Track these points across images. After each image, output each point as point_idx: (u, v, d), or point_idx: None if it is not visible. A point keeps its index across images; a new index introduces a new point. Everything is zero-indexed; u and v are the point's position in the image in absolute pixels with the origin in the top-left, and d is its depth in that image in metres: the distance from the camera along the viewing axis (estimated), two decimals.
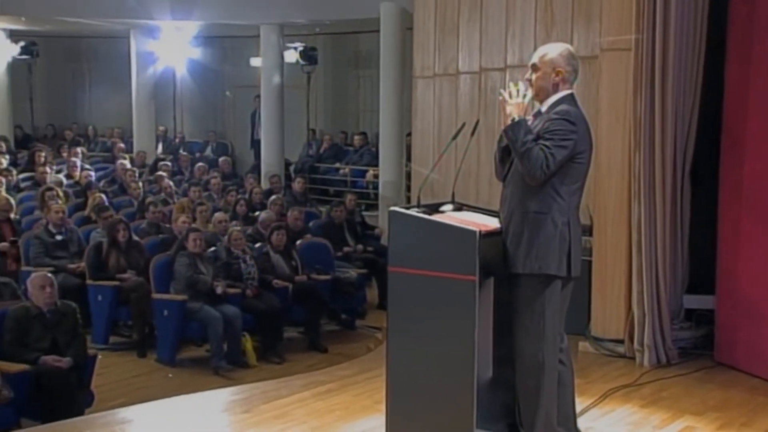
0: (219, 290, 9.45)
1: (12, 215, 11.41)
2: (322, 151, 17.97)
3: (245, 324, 9.53)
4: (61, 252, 10.52)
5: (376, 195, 15.19)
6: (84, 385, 7.57)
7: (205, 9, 16.77)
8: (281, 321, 9.92)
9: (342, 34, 18.49)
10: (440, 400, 4.76)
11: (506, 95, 4.70)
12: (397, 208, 5.01)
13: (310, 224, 12.15)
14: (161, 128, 20.13)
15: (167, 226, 11.37)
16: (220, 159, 17.31)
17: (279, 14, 16.54)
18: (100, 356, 9.58)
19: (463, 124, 5.33)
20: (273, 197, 12.93)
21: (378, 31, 14.88)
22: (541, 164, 4.48)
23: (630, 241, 6.97)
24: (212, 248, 10.03)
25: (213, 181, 14.42)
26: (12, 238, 10.86)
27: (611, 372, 6.78)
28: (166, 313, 9.42)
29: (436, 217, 4.88)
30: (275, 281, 10.06)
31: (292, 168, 17.40)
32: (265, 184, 15.46)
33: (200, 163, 16.22)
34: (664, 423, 5.73)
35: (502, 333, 4.89)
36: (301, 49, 17.33)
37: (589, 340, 7.27)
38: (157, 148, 19.22)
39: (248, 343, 9.51)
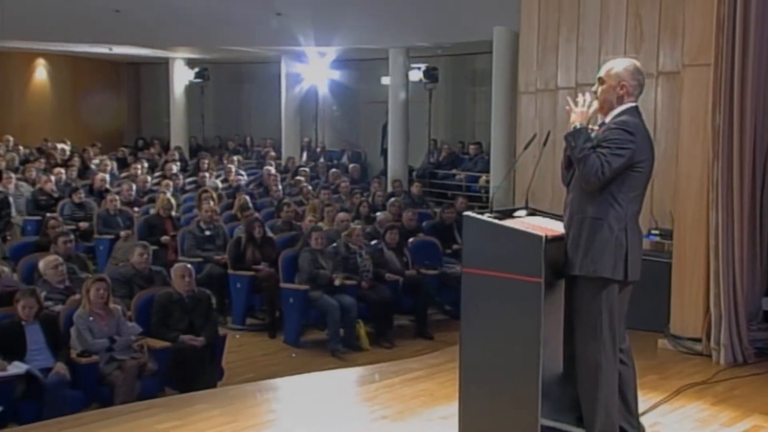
0: (337, 282, 9.22)
1: (173, 213, 11.46)
2: (441, 158, 17.53)
3: (360, 312, 9.26)
4: (209, 245, 10.54)
5: (488, 198, 14.66)
6: (215, 362, 7.50)
7: (343, 36, 16.57)
8: (392, 310, 9.57)
9: (460, 55, 18.02)
10: (508, 392, 4.38)
11: (572, 104, 4.30)
12: (471, 213, 4.60)
13: (423, 224, 11.72)
14: (305, 139, 20.03)
15: (298, 224, 11.12)
16: (350, 165, 17.12)
17: (405, 39, 16.35)
18: (238, 335, 9.66)
19: (534, 135, 4.88)
20: (392, 199, 12.59)
21: (491, 52, 14.45)
22: (596, 170, 4.06)
23: (708, 246, 6.31)
24: (333, 244, 9.73)
25: (342, 184, 14.22)
26: (172, 233, 10.94)
27: (687, 369, 6.12)
28: (291, 300, 9.25)
29: (506, 222, 4.46)
30: (388, 275, 9.74)
31: (414, 173, 17.00)
32: (390, 188, 15.09)
33: (334, 169, 16.07)
34: (732, 421, 5.07)
35: (571, 331, 4.45)
36: (424, 68, 16.96)
37: (668, 338, 6.62)
38: (302, 156, 19.15)
39: (362, 329, 9.25)
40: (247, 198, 12.24)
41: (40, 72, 21.96)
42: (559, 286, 4.46)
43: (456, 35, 15.43)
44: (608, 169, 4.05)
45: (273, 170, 15.28)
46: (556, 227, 4.53)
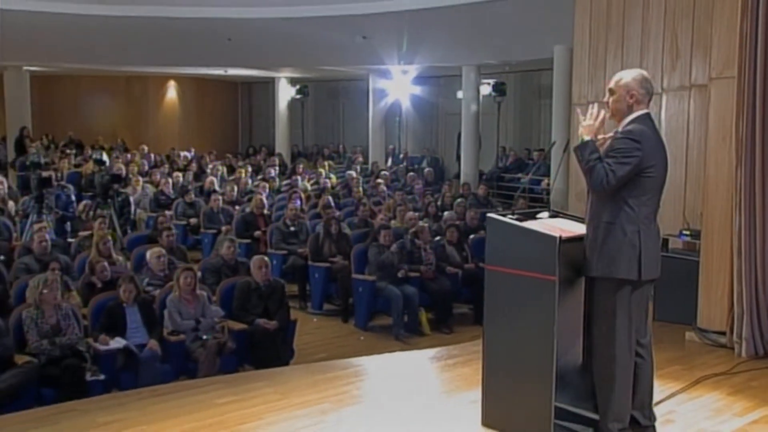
0: (401, 274, 9.04)
1: (265, 211, 11.49)
2: (508, 163, 17.20)
3: (422, 301, 9.09)
4: (293, 239, 10.52)
5: (549, 200, 14.29)
6: (287, 343, 7.47)
7: (423, 56, 16.44)
8: (452, 300, 9.35)
9: (527, 71, 17.66)
10: (525, 380, 4.13)
11: (581, 117, 4.02)
12: (493, 215, 4.38)
13: (485, 222, 11.35)
14: (390, 146, 19.98)
15: (373, 221, 11.00)
16: (426, 169, 16.89)
17: (477, 58, 16.13)
18: (315, 319, 9.62)
19: (554, 142, 4.57)
20: (458, 200, 12.33)
21: (553, 68, 14.14)
22: (601, 180, 3.81)
23: (732, 247, 5.89)
24: (400, 240, 9.57)
25: (416, 187, 14.01)
26: (263, 229, 10.97)
27: (710, 360, 5.70)
28: (361, 289, 9.14)
29: (527, 224, 4.20)
30: (448, 268, 9.53)
31: (483, 177, 16.71)
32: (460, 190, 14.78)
33: (411, 173, 15.89)
34: (745, 411, 4.69)
35: (590, 326, 4.18)
36: (493, 83, 16.73)
37: (695, 331, 6.21)
38: (386, 161, 19.08)
39: (424, 316, 9.08)
40: (330, 198, 12.18)
41: (171, 92, 22.49)
42: (579, 283, 4.19)
43: (521, 54, 15.13)
44: (613, 178, 3.79)
45: (355, 174, 15.20)
46: (575, 228, 4.26)
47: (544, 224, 4.26)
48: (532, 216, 4.40)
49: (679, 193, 7.17)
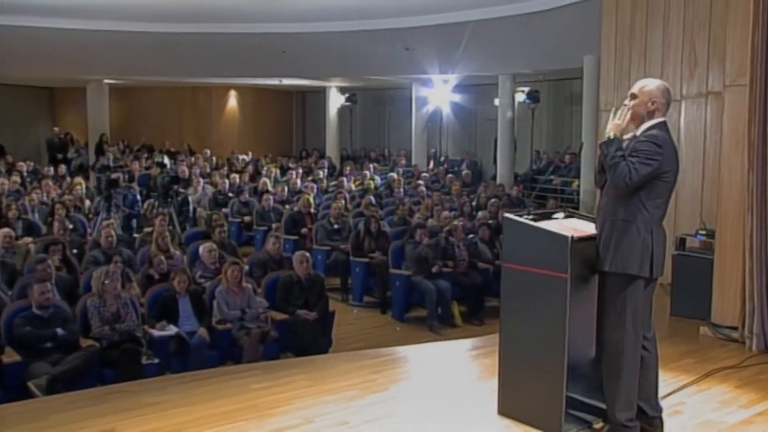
0: (435, 269, 8.97)
1: (312, 210, 11.49)
2: (542, 166, 16.92)
3: (454, 294, 9.01)
4: (336, 236, 10.53)
5: (579, 200, 14.06)
6: (325, 333, 7.44)
7: (462, 66, 16.34)
8: (483, 293, 9.23)
9: (559, 80, 17.35)
10: (538, 371, 4.03)
11: (611, 116, 3.91)
12: (510, 215, 4.26)
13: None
14: (432, 150, 19.80)
15: (410, 219, 10.92)
16: (463, 172, 16.72)
17: (512, 67, 15.92)
18: (356, 310, 9.61)
19: (582, 144, 4.43)
20: (492, 200, 12.17)
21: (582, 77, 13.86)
22: (624, 177, 3.69)
23: (744, 246, 5.69)
24: (435, 237, 9.49)
25: (454, 188, 13.88)
26: (309, 226, 10.98)
27: (722, 354, 5.51)
28: (397, 283, 9.11)
29: (541, 224, 4.09)
30: (480, 263, 9.42)
31: (518, 178, 16.48)
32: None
33: (450, 175, 15.74)
34: (751, 403, 4.52)
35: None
36: (527, 91, 16.47)
37: (709, 326, 6.01)
38: (428, 163, 18.92)
39: (456, 308, 9.00)
40: (372, 198, 12.14)
41: (232, 100, 22.68)
42: (592, 280, 4.06)
43: (553, 64, 14.89)
44: (636, 176, 3.68)
45: (396, 176, 15.12)
46: (588, 228, 4.15)
47: (559, 224, 4.16)
48: (548, 216, 4.30)
49: (696, 195, 6.98)
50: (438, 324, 8.69)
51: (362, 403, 4.42)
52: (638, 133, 3.88)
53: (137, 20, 16.17)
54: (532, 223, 4.10)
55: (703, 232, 6.59)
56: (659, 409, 4.05)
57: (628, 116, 3.90)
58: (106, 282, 6.25)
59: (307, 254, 7.71)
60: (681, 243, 6.76)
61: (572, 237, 3.88)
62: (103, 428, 3.99)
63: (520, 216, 4.22)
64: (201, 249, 7.92)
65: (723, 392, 4.70)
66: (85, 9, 15.69)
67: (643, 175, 3.70)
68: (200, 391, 4.64)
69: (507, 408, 4.20)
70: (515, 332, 4.17)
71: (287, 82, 20.39)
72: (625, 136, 3.94)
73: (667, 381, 4.86)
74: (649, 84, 3.93)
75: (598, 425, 4.02)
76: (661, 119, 3.87)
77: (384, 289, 9.37)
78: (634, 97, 3.92)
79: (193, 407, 4.31)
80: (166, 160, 14.13)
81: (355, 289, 9.78)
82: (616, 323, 3.84)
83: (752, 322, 5.57)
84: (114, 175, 10.22)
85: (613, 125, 3.88)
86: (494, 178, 16.81)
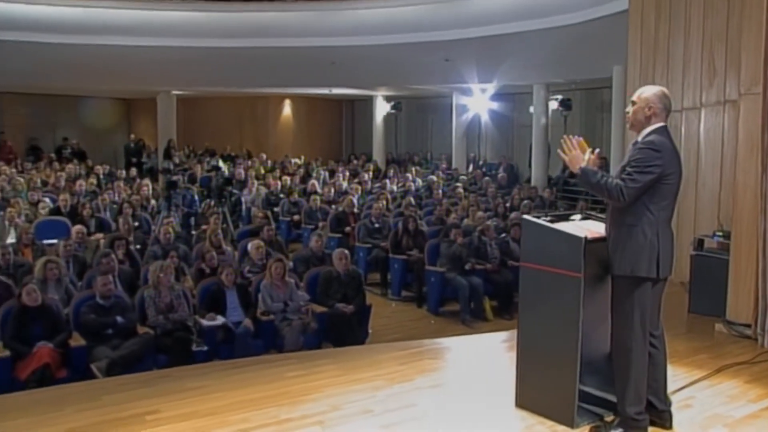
0: (467, 266, 8.85)
1: (355, 210, 11.48)
2: None
3: (486, 290, 8.88)
4: (377, 234, 10.49)
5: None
6: (362, 325, 7.41)
7: (499, 75, 16.11)
8: (513, 290, 8.94)
9: (591, 89, 17.00)
10: (553, 365, 3.94)
11: (562, 156, 3.84)
12: (527, 217, 4.20)
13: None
14: (471, 154, 19.59)
15: (447, 219, 10.82)
16: (499, 175, 16.52)
17: (546, 77, 15.70)
18: (394, 304, 9.55)
19: (593, 149, 4.33)
20: (525, 202, 11.99)
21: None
22: (617, 194, 3.59)
23: (758, 247, 5.48)
24: (469, 236, 9.39)
25: (489, 190, 13.71)
26: (353, 225, 10.94)
27: (734, 350, 5.32)
28: (433, 279, 9.01)
29: (558, 225, 3.99)
30: (511, 261, 9.19)
31: (551, 181, 16.21)
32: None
33: (486, 177, 15.56)
34: (759, 398, 4.35)
35: None
36: (560, 99, 16.18)
37: (723, 323, 5.81)
38: (467, 167, 18.74)
39: (487, 303, 8.85)
40: (411, 199, 12.07)
41: (286, 108, 22.83)
42: (607, 280, 3.91)
43: (584, 73, 14.61)
44: (633, 186, 3.55)
45: (436, 178, 15.03)
46: (603, 229, 3.99)
47: (575, 225, 4.05)
48: (566, 218, 4.19)
49: (715, 198, 6.77)
50: (470, 318, 8.58)
51: (387, 393, 4.39)
52: (639, 139, 3.76)
53: (201, 36, 16.45)
54: (548, 224, 4.01)
55: (720, 234, 6.38)
56: (668, 403, 3.93)
57: (575, 140, 3.85)
58: (161, 275, 6.35)
59: (346, 251, 7.70)
60: (699, 244, 6.56)
61: (586, 237, 3.79)
62: (148, 409, 4.04)
63: (538, 217, 4.15)
64: (249, 246, 7.99)
65: (733, 387, 4.53)
66: (155, 28, 16.11)
67: (643, 182, 3.58)
68: (239, 377, 4.67)
69: (524, 400, 4.12)
70: (532, 328, 4.09)
71: (337, 91, 20.46)
72: (595, 150, 3.90)
73: (680, 376, 4.72)
74: (647, 91, 3.79)
75: (609, 418, 3.91)
76: (660, 124, 3.73)
77: (420, 284, 9.28)
78: (633, 104, 3.81)
79: (231, 392, 4.34)
80: (221, 164, 14.28)
81: (394, 284, 9.71)
82: (624, 323, 3.72)
83: (765, 320, 5.38)
84: (174, 178, 10.37)
85: (571, 161, 3.81)
86: (528, 180, 16.59)
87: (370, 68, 17.39)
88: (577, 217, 4.26)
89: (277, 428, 3.80)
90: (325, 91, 20.53)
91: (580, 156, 3.78)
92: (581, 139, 3.88)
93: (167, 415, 3.95)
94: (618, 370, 3.80)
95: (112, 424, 3.85)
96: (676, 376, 4.70)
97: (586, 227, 4.06)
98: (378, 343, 6.70)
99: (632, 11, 8.68)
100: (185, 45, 16.46)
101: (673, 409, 3.96)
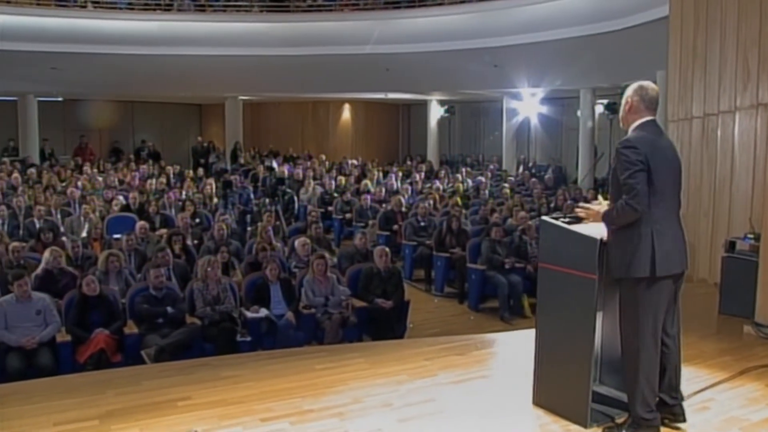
0: (507, 264, 8.64)
1: (403, 209, 11.41)
2: None
3: (525, 288, 8.61)
4: (422, 233, 10.39)
5: None
6: (401, 320, 7.32)
7: (548, 80, 15.85)
8: None
9: None
10: (568, 367, 3.79)
11: (586, 219, 3.77)
12: (545, 218, 4.04)
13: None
14: (521, 156, 19.25)
15: (491, 218, 10.64)
16: (546, 176, 16.15)
17: (592, 82, 15.30)
18: (436, 300, 9.44)
19: (602, 154, 4.13)
20: (568, 202, 11.67)
21: None
22: (631, 210, 3.39)
23: None
24: (510, 235, 9.21)
25: (535, 190, 13.42)
26: (400, 223, 10.84)
27: (760, 353, 5.02)
28: (473, 276, 8.84)
29: (575, 226, 3.83)
30: None
31: (597, 182, 15.75)
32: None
33: (533, 179, 15.23)
34: None
35: None
36: (606, 103, 15.73)
37: (752, 325, 5.51)
38: (517, 168, 18.41)
39: (526, 301, 8.59)
40: (458, 199, 11.92)
41: (346, 112, 22.94)
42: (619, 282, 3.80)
43: (629, 78, 13.78)
44: (634, 193, 3.34)
45: (484, 179, 14.81)
46: None
47: (592, 227, 3.84)
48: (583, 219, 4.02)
49: (747, 201, 6.44)
50: (509, 315, 8.39)
51: (409, 387, 4.31)
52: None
53: (266, 46, 16.69)
54: (565, 225, 3.86)
55: (751, 236, 6.06)
56: (680, 397, 3.73)
57: (585, 209, 3.78)
58: (209, 269, 6.44)
59: (387, 249, 7.63)
60: (731, 246, 6.24)
61: (601, 239, 3.63)
62: (181, 395, 4.09)
63: (557, 219, 4.00)
64: (296, 243, 8.03)
65: (753, 390, 4.27)
66: (223, 39, 16.45)
67: (639, 181, 3.35)
68: (271, 368, 4.68)
69: (540, 399, 3.99)
70: (549, 328, 3.94)
71: (393, 96, 20.44)
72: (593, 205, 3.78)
73: (702, 377, 4.49)
74: (629, 89, 3.60)
75: (620, 419, 3.74)
76: (646, 119, 3.51)
77: (462, 281, 9.14)
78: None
79: (261, 382, 4.35)
80: (274, 164, 14.42)
81: (437, 281, 9.60)
82: (631, 324, 3.55)
83: None
84: (231, 177, 10.53)
85: (591, 218, 3.71)
86: (575, 182, 16.17)
87: (423, 74, 17.30)
88: None
89: (298, 418, 3.79)
90: (381, 95, 20.54)
91: (595, 210, 3.69)
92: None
93: (197, 402, 3.99)
94: (628, 371, 3.63)
95: (146, 408, 3.91)
96: (698, 377, 4.49)
97: (603, 229, 3.90)
98: (414, 338, 6.61)
99: (672, 17, 8.38)
100: (251, 54, 16.74)
101: (690, 411, 3.77)
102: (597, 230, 3.77)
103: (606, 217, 3.58)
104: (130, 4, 16.38)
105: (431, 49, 16.53)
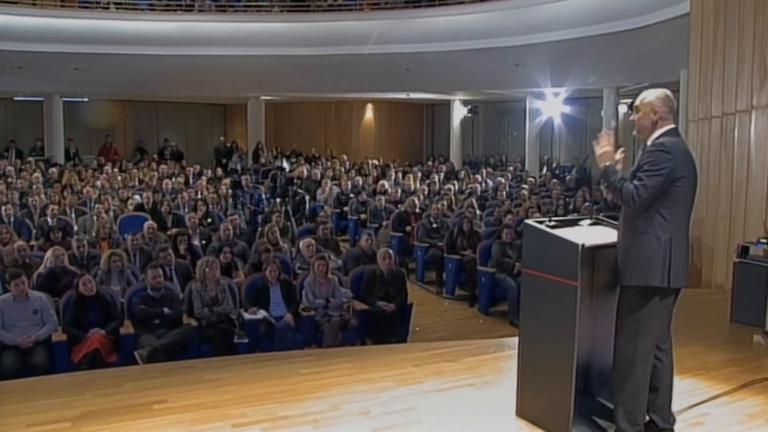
0: (517, 268, 8.39)
1: (417, 210, 11.25)
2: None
3: None
4: (435, 234, 10.25)
5: None
6: (404, 323, 7.18)
7: (571, 80, 15.54)
8: None
9: None
10: (550, 377, 3.64)
11: (596, 147, 3.49)
12: (529, 221, 3.88)
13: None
14: (545, 156, 18.96)
15: (504, 219, 10.42)
16: (567, 176, 15.84)
17: (615, 82, 15.04)
18: (447, 302, 9.30)
19: (587, 155, 3.98)
20: (586, 203, 11.40)
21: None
22: (629, 199, 3.30)
23: None
24: (521, 238, 8.98)
25: (554, 192, 13.15)
26: (414, 224, 10.69)
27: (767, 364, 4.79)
28: (483, 279, 8.65)
29: (559, 230, 3.66)
30: None
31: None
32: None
33: (554, 180, 14.94)
34: None
35: None
36: (629, 103, 15.35)
37: (762, 335, 5.27)
38: (541, 169, 18.13)
39: None
40: (473, 200, 11.73)
41: (369, 112, 22.86)
42: (617, 288, 3.56)
43: (652, 77, 13.56)
44: (644, 192, 3.24)
45: (503, 180, 14.58)
46: (611, 236, 3.64)
47: (579, 231, 3.70)
48: (574, 223, 3.86)
49: (761, 204, 6.18)
50: (518, 319, 8.18)
51: (392, 395, 4.19)
52: (649, 143, 3.42)
53: (287, 46, 16.69)
54: (547, 229, 3.68)
55: (764, 240, 5.81)
56: (672, 421, 3.55)
57: (611, 138, 3.49)
58: (207, 270, 6.40)
59: (390, 251, 7.52)
60: (743, 251, 5.98)
61: (582, 245, 3.44)
62: (159, 398, 4.04)
63: (541, 222, 3.84)
64: (301, 244, 7.96)
65: (753, 404, 4.05)
66: (246, 39, 16.49)
67: (653, 187, 3.25)
68: (255, 372, 4.61)
69: (523, 410, 3.84)
70: (531, 337, 3.79)
71: (415, 95, 20.31)
72: (622, 150, 3.52)
73: (701, 390, 4.29)
74: (650, 95, 3.45)
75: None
76: (669, 126, 3.39)
77: (473, 284, 8.97)
78: (636, 110, 3.47)
79: (241, 386, 4.28)
80: (285, 164, 14.38)
81: (448, 283, 9.45)
82: (629, 336, 3.39)
83: None
84: (242, 178, 10.53)
85: (601, 156, 3.47)
86: (598, 182, 15.87)
87: (444, 74, 17.10)
88: (586, 222, 3.92)
89: (271, 425, 3.70)
90: (403, 95, 20.42)
91: (611, 154, 3.47)
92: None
93: (173, 405, 3.94)
94: (617, 383, 3.48)
95: (122, 411, 3.86)
96: (697, 389, 4.29)
97: (592, 233, 3.74)
98: (415, 342, 6.48)
99: (693, 15, 8.15)
100: (272, 54, 16.74)
101: (682, 426, 3.60)
102: (581, 235, 3.61)
103: (605, 172, 3.44)
104: (151, 5, 16.53)
105: (451, 48, 16.33)
